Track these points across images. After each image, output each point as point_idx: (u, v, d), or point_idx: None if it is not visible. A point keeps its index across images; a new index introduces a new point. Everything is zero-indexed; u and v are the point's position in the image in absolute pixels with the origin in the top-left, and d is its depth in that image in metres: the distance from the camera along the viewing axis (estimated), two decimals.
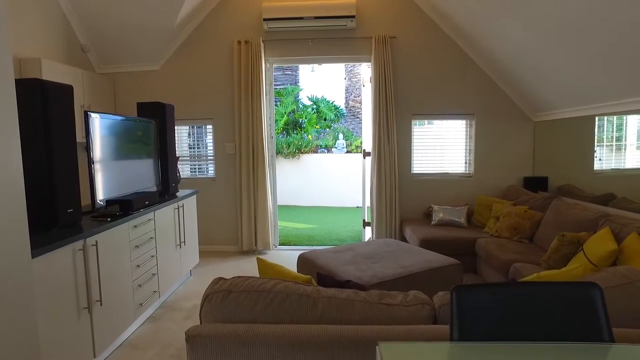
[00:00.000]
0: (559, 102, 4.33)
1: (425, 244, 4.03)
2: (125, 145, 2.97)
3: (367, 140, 5.30)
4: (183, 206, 3.67)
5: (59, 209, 2.19)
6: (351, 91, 9.53)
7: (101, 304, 2.35)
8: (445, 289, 1.51)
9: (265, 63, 4.86)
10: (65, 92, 2.28)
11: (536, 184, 4.85)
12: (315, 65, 10.83)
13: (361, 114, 9.37)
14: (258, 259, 2.11)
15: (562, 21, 3.21)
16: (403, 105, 4.91)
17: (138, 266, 2.82)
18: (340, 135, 8.76)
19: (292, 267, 4.70)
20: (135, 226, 2.78)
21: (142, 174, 3.20)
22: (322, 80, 10.46)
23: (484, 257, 3.76)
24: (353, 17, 4.60)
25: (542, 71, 4.09)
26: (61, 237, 2.05)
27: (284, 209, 7.49)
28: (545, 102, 4.56)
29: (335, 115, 9.84)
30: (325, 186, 8.42)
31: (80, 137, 2.66)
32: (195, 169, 5.43)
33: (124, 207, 2.74)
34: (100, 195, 2.59)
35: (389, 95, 4.76)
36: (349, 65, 9.44)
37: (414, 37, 4.86)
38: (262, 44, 4.75)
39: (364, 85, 5.26)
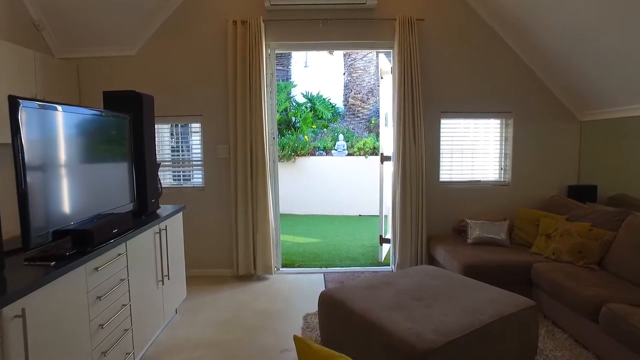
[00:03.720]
0: (620, 97, 3.63)
1: (471, 272, 3.25)
2: (85, 148, 2.09)
3: (386, 142, 4.50)
4: (166, 229, 2.79)
5: None
6: (351, 87, 8.73)
7: None
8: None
9: (266, 48, 4.01)
10: None
11: (583, 193, 4.15)
12: (309, 60, 10.01)
13: (362, 112, 8.60)
14: (297, 341, 1.27)
15: None
16: (431, 101, 4.13)
17: (101, 326, 1.93)
18: (340, 136, 7.95)
19: (302, 295, 3.71)
20: (96, 269, 1.90)
21: (109, 188, 2.31)
22: (317, 76, 9.63)
23: (549, 289, 3.00)
24: None
25: (607, 59, 3.37)
26: None
27: (280, 218, 6.61)
28: (601, 97, 3.85)
29: (333, 114, 9.02)
30: (325, 192, 7.60)
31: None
32: (179, 176, 4.53)
33: (79, 241, 1.86)
34: (41, 225, 1.71)
35: (415, 88, 3.97)
36: (349, 59, 8.66)
37: (445, 20, 4.09)
38: (262, 25, 3.90)
39: (382, 77, 4.47)
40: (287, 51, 4.16)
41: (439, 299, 2.47)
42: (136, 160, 2.63)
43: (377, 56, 8.84)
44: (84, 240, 1.85)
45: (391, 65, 4.14)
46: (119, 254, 2.13)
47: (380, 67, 4.47)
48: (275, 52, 4.15)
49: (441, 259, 3.77)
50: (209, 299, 3.58)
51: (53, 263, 1.64)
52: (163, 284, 2.74)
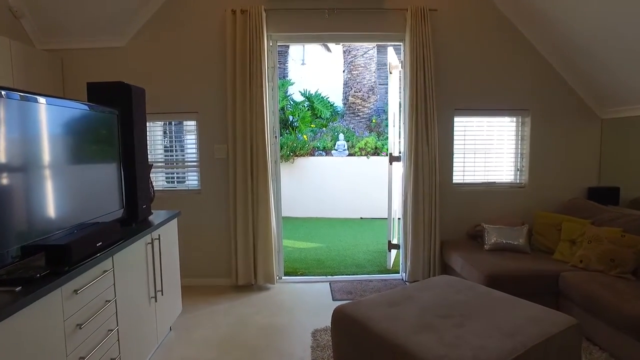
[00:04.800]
0: None
1: (494, 282, 2.98)
2: (65, 147, 1.78)
3: (395, 142, 4.22)
4: (159, 238, 2.48)
5: None
6: (351, 85, 8.44)
7: None
8: None
9: (267, 40, 3.71)
10: None
11: (604, 196, 3.90)
12: (307, 57, 9.71)
13: (362, 111, 8.32)
14: None
15: None
16: (444, 97, 3.86)
17: (82, 359, 1.62)
18: (341, 136, 7.66)
19: (308, 307, 3.36)
20: (76, 291, 1.58)
21: (94, 193, 2.00)
22: (315, 74, 9.33)
23: (583, 302, 2.73)
24: None
25: (634, 53, 3.12)
26: None
27: None
28: (624, 94, 3.60)
29: (332, 113, 8.73)
30: (325, 194, 7.30)
31: None
32: (172, 178, 4.21)
33: (54, 259, 1.54)
34: (6, 239, 1.39)
35: (428, 84, 3.69)
36: (349, 56, 8.37)
37: (459, 11, 3.82)
38: (263, 14, 3.60)
39: (390, 72, 4.19)
40: (290, 43, 3.88)
41: (470, 316, 2.18)
42: (125, 161, 2.31)
43: (377, 53, 8.58)
44: (61, 257, 1.54)
45: (401, 59, 3.86)
46: (105, 271, 1.82)
47: (389, 61, 4.19)
48: (278, 43, 3.85)
49: (458, 268, 3.50)
50: (206, 313, 3.27)
51: (19, 288, 1.33)
52: (156, 301, 2.43)
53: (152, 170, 4.00)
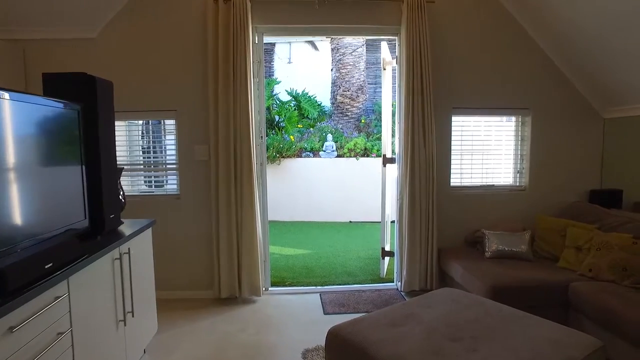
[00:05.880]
0: None
1: (499, 294, 2.76)
2: (9, 148, 1.47)
3: (388, 142, 3.98)
4: (129, 252, 2.17)
5: None
6: (339, 84, 8.18)
7: None
8: None
9: (253, 32, 3.43)
10: None
11: (607, 199, 3.73)
12: (294, 56, 9.43)
13: (351, 111, 8.09)
14: None
15: None
16: (441, 95, 3.63)
17: None
18: (329, 136, 7.39)
19: (298, 322, 3.06)
20: (11, 329, 1.27)
21: (48, 203, 1.68)
22: (302, 73, 9.05)
23: (598, 316, 2.52)
24: None
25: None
26: None
27: None
28: (628, 92, 3.43)
29: (319, 113, 8.46)
30: (313, 197, 7.03)
31: None
32: (150, 181, 3.89)
33: None
34: None
35: (425, 81, 3.46)
36: (337, 54, 8.11)
37: (458, 3, 3.60)
38: (248, 4, 3.31)
39: (384, 69, 3.94)
40: (277, 37, 3.60)
41: (482, 338, 1.94)
42: (89, 165, 2.00)
43: (366, 51, 8.35)
44: None
45: (396, 55, 3.62)
46: (57, 298, 1.51)
47: (383, 56, 3.95)
48: (264, 36, 3.56)
49: (458, 277, 3.27)
50: (185, 332, 2.96)
51: None
52: (125, 325, 2.12)
53: (129, 174, 3.68)
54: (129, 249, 2.17)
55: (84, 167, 1.93)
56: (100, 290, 1.89)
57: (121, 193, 2.44)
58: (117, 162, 3.62)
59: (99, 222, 2.06)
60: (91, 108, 2.02)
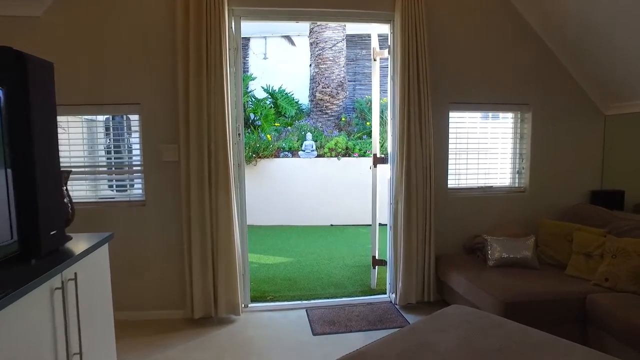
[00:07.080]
0: None
1: (513, 310, 2.46)
2: None
3: (380, 141, 3.63)
4: (75, 278, 1.71)
5: None
6: (319, 81, 7.79)
7: None
8: None
9: (228, 15, 3.00)
10: None
11: (609, 200, 3.53)
12: (269, 51, 8.99)
13: (330, 109, 7.73)
14: None
15: None
16: (438, 89, 3.32)
17: None
18: (308, 135, 7.01)
19: (283, 347, 2.64)
20: None
21: None
22: (279, 69, 8.62)
23: (625, 335, 2.24)
24: None
25: None
26: None
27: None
28: (631, 87, 3.23)
29: (297, 111, 8.06)
30: (292, 199, 6.63)
31: None
32: (113, 186, 3.39)
33: None
34: None
35: (421, 73, 3.13)
36: (317, 48, 7.71)
37: None
38: None
39: (374, 59, 3.59)
40: (256, 21, 3.21)
41: None
42: (18, 168, 1.54)
43: (346, 46, 8.01)
44: None
45: (389, 44, 3.28)
46: None
47: (373, 46, 3.60)
48: (242, 20, 3.13)
49: (461, 290, 2.95)
50: None
51: None
52: None
53: (89, 177, 3.18)
54: (75, 273, 1.71)
55: (8, 171, 1.47)
56: (32, 334, 1.44)
57: (67, 202, 1.97)
58: (72, 164, 3.16)
59: (34, 241, 1.59)
60: (21, 94, 1.55)
